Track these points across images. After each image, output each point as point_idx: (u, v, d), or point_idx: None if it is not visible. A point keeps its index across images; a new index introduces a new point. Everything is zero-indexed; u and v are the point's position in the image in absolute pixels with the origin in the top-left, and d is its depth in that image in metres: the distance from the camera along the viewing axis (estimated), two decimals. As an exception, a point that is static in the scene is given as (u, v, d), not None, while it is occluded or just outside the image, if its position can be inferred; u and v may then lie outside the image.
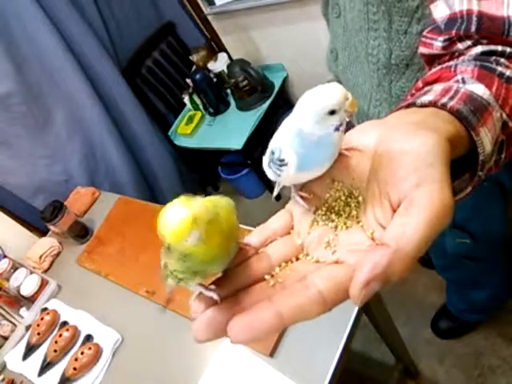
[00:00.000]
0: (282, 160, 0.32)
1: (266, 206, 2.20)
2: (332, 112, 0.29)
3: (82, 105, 1.83)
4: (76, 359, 1.09)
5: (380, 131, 0.30)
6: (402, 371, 1.38)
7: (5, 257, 1.44)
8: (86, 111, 1.84)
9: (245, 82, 2.02)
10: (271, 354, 0.90)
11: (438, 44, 0.42)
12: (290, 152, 0.31)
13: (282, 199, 2.21)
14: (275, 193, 0.40)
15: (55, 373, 1.12)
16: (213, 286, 0.30)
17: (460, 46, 0.40)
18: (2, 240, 1.51)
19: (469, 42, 0.39)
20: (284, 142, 0.32)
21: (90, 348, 1.10)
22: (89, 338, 1.15)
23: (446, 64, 0.39)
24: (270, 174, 0.34)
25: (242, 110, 2.12)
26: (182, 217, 0.26)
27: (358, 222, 0.30)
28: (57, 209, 1.39)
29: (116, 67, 1.92)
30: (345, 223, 0.31)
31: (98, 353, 1.10)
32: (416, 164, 0.26)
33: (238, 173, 2.18)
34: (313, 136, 0.30)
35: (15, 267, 1.40)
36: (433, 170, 0.26)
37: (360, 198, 0.31)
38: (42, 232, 1.61)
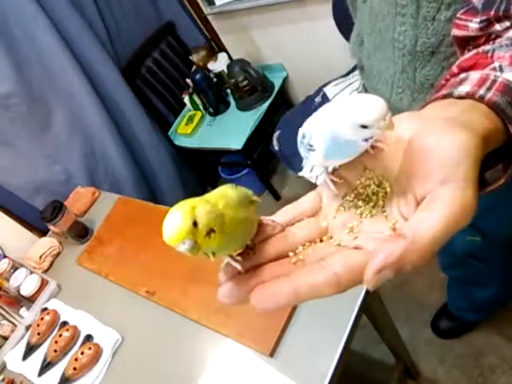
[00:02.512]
0: (311, 145, 0.33)
1: (265, 206, 2.20)
2: (365, 126, 0.30)
3: (81, 105, 1.82)
4: (76, 359, 1.09)
5: (415, 124, 0.31)
6: (402, 371, 1.38)
7: (5, 257, 1.44)
8: (85, 111, 1.84)
9: (245, 82, 2.02)
10: (271, 354, 0.90)
11: (473, 26, 0.41)
12: (320, 140, 0.32)
13: (281, 199, 2.21)
14: (306, 172, 0.41)
15: (55, 373, 1.12)
16: (239, 258, 0.32)
17: (498, 27, 0.39)
18: (2, 240, 1.51)
19: (507, 23, 0.39)
20: (316, 129, 0.33)
21: (89, 348, 1.10)
22: (89, 337, 1.15)
23: (483, 48, 0.38)
24: (301, 153, 0.36)
25: (242, 110, 2.12)
26: (177, 224, 0.28)
27: (383, 212, 0.31)
28: (57, 209, 1.39)
29: (116, 67, 1.92)
30: (370, 211, 0.31)
31: (97, 353, 1.10)
32: (444, 161, 0.27)
33: (237, 173, 2.18)
34: (342, 138, 0.31)
35: (15, 267, 1.40)
36: (459, 169, 0.26)
37: (388, 189, 0.31)
38: (42, 232, 1.61)
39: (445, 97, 0.33)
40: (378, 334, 1.21)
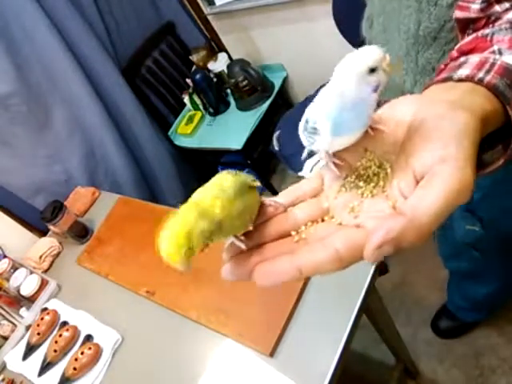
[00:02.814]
0: (315, 129, 0.33)
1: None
2: (372, 70, 0.30)
3: (81, 105, 1.82)
4: (76, 359, 1.09)
5: (416, 106, 0.31)
6: (402, 371, 1.38)
7: (5, 257, 1.44)
8: (85, 111, 1.84)
9: (245, 82, 2.03)
10: (271, 354, 0.90)
11: (475, 7, 0.42)
12: (324, 121, 0.32)
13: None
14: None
15: (55, 373, 1.12)
16: (242, 237, 0.33)
17: (498, 8, 0.40)
18: (2, 240, 1.51)
19: (507, 5, 0.39)
20: (319, 110, 0.33)
21: (90, 348, 1.10)
22: (89, 338, 1.15)
23: (482, 32, 0.39)
24: (304, 140, 0.36)
25: (242, 110, 2.12)
26: (171, 255, 0.31)
27: (384, 192, 0.31)
28: (57, 209, 1.39)
29: (116, 67, 1.92)
30: (371, 191, 0.32)
31: (97, 353, 1.10)
32: (444, 141, 0.27)
33: (237, 173, 2.18)
34: (352, 98, 0.31)
35: (15, 267, 1.40)
36: (458, 148, 0.27)
37: (388, 170, 0.32)
38: (42, 232, 1.61)
39: (445, 80, 0.34)
40: (378, 334, 1.21)
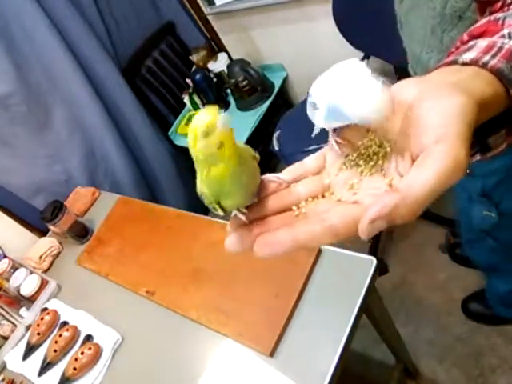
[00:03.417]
0: (314, 104, 0.35)
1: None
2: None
3: (81, 105, 1.82)
4: (76, 359, 1.09)
5: (419, 88, 0.32)
6: (402, 371, 1.38)
7: (5, 257, 1.44)
8: (85, 111, 1.84)
9: (245, 82, 2.03)
10: (271, 354, 0.90)
11: None
12: (323, 99, 0.34)
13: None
14: (313, 134, 0.42)
15: (55, 373, 1.12)
16: (245, 210, 0.35)
17: None
18: (2, 240, 1.51)
19: None
20: (320, 88, 0.35)
21: (90, 348, 1.10)
22: (89, 338, 1.15)
23: (494, 16, 0.39)
24: (308, 112, 0.37)
25: (242, 110, 2.12)
26: (211, 110, 0.31)
27: (382, 171, 0.33)
28: (57, 209, 1.39)
29: (116, 67, 1.92)
30: (370, 170, 0.33)
31: (97, 353, 1.10)
32: (440, 122, 0.28)
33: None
34: (344, 114, 0.32)
35: (15, 267, 1.40)
36: (454, 129, 0.27)
37: (388, 149, 0.33)
38: (42, 232, 1.61)
39: (450, 63, 0.34)
40: (378, 334, 1.21)
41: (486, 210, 1.04)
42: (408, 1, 0.81)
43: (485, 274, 1.41)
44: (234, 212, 0.35)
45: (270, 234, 0.32)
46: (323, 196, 0.35)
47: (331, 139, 0.36)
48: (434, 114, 0.29)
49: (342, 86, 0.32)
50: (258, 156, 0.37)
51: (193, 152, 0.32)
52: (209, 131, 0.31)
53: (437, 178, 0.26)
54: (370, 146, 0.34)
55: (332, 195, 0.35)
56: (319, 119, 0.35)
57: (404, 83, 0.34)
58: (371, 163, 0.34)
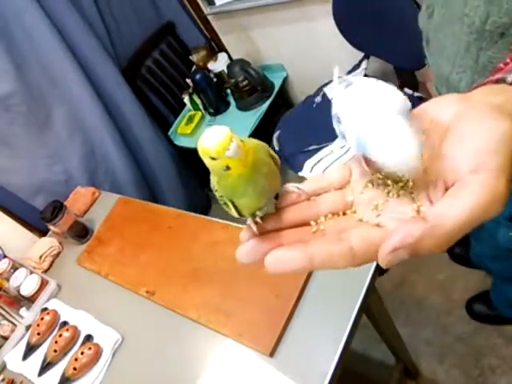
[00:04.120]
0: (339, 119, 0.33)
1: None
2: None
3: (81, 105, 1.82)
4: (76, 359, 1.09)
5: (459, 107, 0.29)
6: (402, 371, 1.38)
7: (5, 257, 1.44)
8: (85, 111, 1.84)
9: (245, 82, 2.03)
10: (271, 354, 0.90)
11: None
12: (352, 129, 0.31)
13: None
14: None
15: (55, 373, 1.12)
16: (259, 220, 0.33)
17: None
18: (2, 240, 1.51)
19: None
20: (347, 113, 0.32)
21: (89, 348, 1.10)
22: (89, 338, 1.15)
23: None
24: (334, 124, 0.35)
25: (242, 109, 2.12)
26: (222, 132, 0.29)
27: (411, 194, 0.31)
28: (57, 209, 1.39)
29: (116, 67, 1.92)
30: (397, 191, 0.31)
31: (97, 353, 1.10)
32: (479, 149, 0.26)
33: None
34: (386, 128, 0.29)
35: (15, 267, 1.40)
36: (493, 158, 0.25)
37: (420, 171, 0.31)
38: (42, 232, 1.61)
39: (497, 81, 0.32)
40: (378, 334, 1.21)
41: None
42: (438, 15, 0.74)
43: (495, 279, 1.40)
44: (249, 221, 0.33)
45: (282, 249, 0.30)
46: (344, 213, 0.33)
47: (359, 155, 0.34)
48: (474, 138, 0.26)
49: (371, 122, 0.29)
50: (276, 156, 0.35)
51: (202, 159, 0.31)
52: (215, 157, 0.29)
53: (470, 213, 0.24)
54: None
55: (354, 214, 0.32)
56: (349, 145, 0.33)
57: (442, 100, 0.31)
58: (400, 184, 0.31)
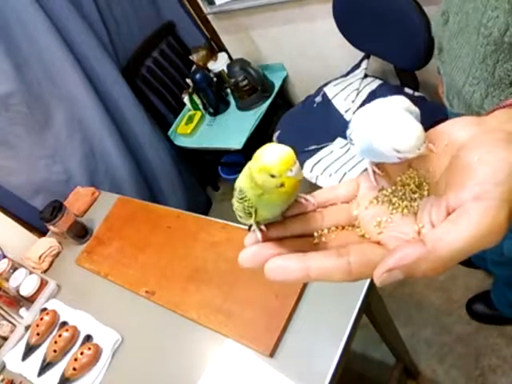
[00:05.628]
0: (351, 139, 0.34)
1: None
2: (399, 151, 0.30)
3: (81, 105, 1.82)
4: (76, 359, 1.09)
5: (473, 132, 0.29)
6: (402, 371, 1.38)
7: (4, 257, 1.44)
8: (85, 111, 1.84)
9: (245, 82, 2.02)
10: (271, 354, 0.90)
11: None
12: (358, 135, 0.33)
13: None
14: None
15: (55, 373, 1.12)
16: (264, 227, 0.34)
17: None
18: (2, 240, 1.51)
19: None
20: (357, 124, 0.34)
21: (89, 348, 1.10)
22: (88, 338, 1.15)
23: None
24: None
25: (242, 109, 2.12)
26: (286, 152, 0.30)
27: (415, 214, 0.31)
28: (56, 209, 1.39)
29: (116, 67, 1.92)
30: (402, 210, 0.31)
31: (97, 353, 1.10)
32: (485, 177, 0.26)
33: (237, 173, 2.17)
34: (377, 150, 0.31)
35: (15, 267, 1.40)
36: (498, 188, 0.25)
37: (426, 192, 0.31)
38: (42, 232, 1.61)
39: None
40: (378, 334, 1.21)
41: None
42: (453, 25, 0.72)
43: (497, 280, 1.40)
44: (253, 227, 0.34)
45: (281, 258, 0.30)
46: (348, 227, 0.34)
47: (369, 168, 0.34)
48: (483, 166, 0.26)
49: (376, 122, 0.31)
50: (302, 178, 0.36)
51: (252, 172, 0.32)
52: (276, 175, 0.30)
53: (467, 240, 0.24)
54: (408, 184, 0.32)
55: (357, 228, 0.33)
56: (356, 152, 0.34)
57: (458, 122, 0.31)
58: (405, 203, 0.31)
